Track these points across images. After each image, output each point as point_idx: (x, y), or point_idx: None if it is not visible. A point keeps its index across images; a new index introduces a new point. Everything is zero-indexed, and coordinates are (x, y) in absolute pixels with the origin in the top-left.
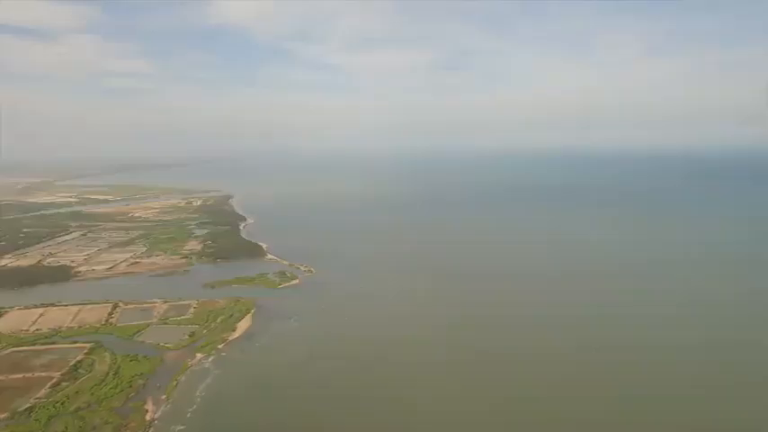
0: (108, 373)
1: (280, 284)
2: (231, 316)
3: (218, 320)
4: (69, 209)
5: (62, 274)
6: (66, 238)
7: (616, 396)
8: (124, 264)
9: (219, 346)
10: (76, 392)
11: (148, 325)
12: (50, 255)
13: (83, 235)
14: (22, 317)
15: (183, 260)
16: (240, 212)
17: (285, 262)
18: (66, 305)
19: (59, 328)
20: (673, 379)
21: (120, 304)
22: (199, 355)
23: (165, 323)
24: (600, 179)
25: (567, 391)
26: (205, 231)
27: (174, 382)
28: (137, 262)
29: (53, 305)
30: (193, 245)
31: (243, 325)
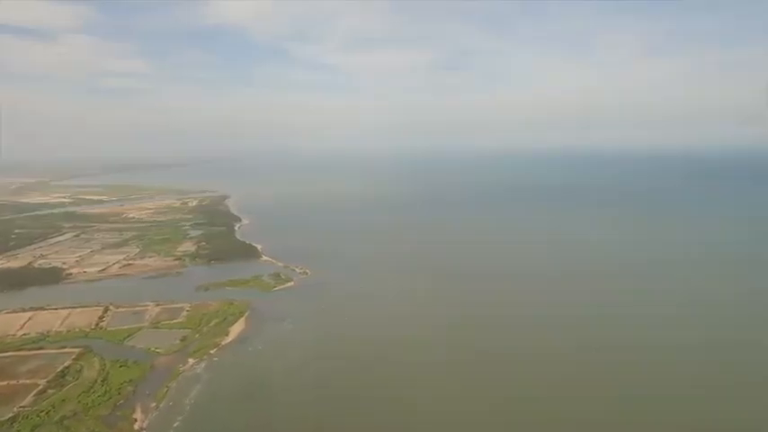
0: (96, 380)
1: (275, 286)
2: (225, 319)
3: (212, 324)
4: (63, 209)
5: (53, 277)
6: (59, 239)
7: (616, 396)
8: (117, 265)
9: (212, 351)
10: (63, 400)
11: (140, 329)
12: (42, 256)
13: (76, 236)
14: (10, 321)
15: (177, 262)
16: (236, 213)
17: (280, 263)
18: (55, 308)
19: (48, 332)
20: (673, 379)
21: (112, 307)
22: (191, 360)
23: (157, 327)
24: (600, 179)
25: (567, 391)
26: (200, 232)
27: (165, 389)
28: (129, 263)
29: (42, 308)
30: (187, 246)
31: (236, 328)
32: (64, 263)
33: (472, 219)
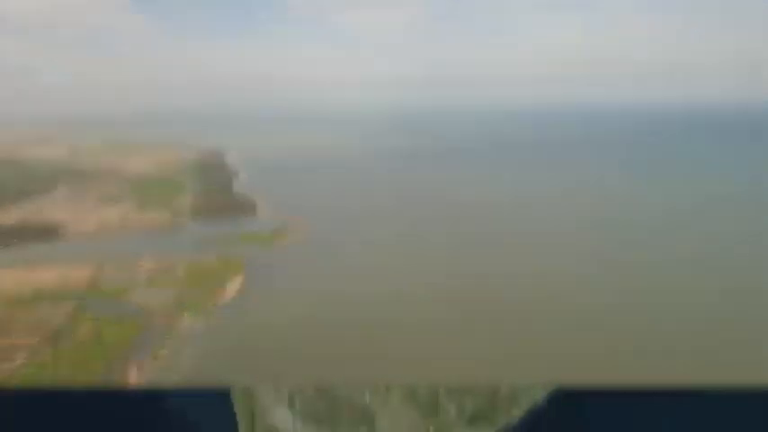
0: (90, 338)
1: (274, 242)
2: (222, 275)
3: (209, 280)
4: (58, 164)
5: (47, 233)
6: (54, 194)
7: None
8: (113, 221)
9: (209, 308)
10: (56, 359)
11: (135, 286)
12: (36, 212)
13: (71, 191)
14: (2, 278)
15: (174, 217)
16: (235, 168)
17: (280, 218)
18: (49, 265)
19: (41, 290)
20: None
21: (107, 264)
22: (187, 318)
23: (153, 284)
24: (603, 135)
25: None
26: (198, 187)
27: (160, 347)
28: (126, 219)
29: (36, 265)
30: (185, 201)
31: (234, 285)
32: (59, 219)
33: (477, 175)
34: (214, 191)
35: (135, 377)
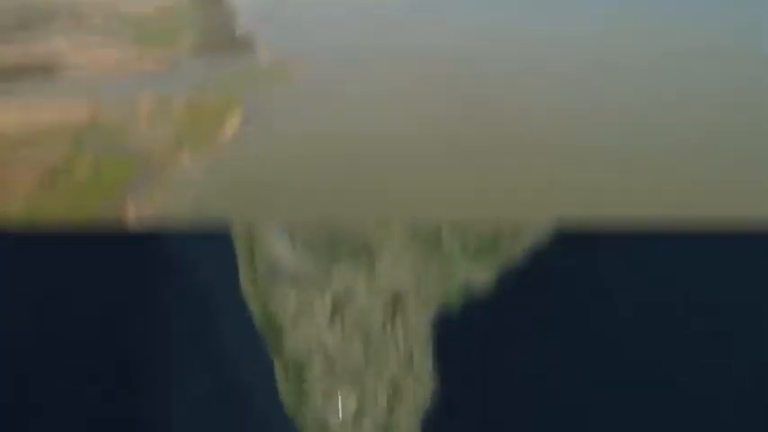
0: (88, 177)
1: (275, 81)
2: (221, 115)
3: (208, 119)
4: (58, 2)
5: (44, 70)
6: (52, 30)
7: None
8: (111, 60)
9: (208, 147)
10: (54, 198)
11: (134, 125)
12: (32, 49)
13: (69, 28)
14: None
15: (174, 56)
16: (235, 7)
17: (281, 57)
18: (47, 104)
19: (38, 128)
20: None
21: (105, 102)
22: (186, 156)
23: (152, 122)
24: None
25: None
26: (198, 26)
27: (159, 185)
28: (125, 58)
29: (33, 103)
30: (184, 40)
31: (233, 124)
32: (56, 56)
33: (480, 18)
34: (214, 30)
35: (133, 217)
